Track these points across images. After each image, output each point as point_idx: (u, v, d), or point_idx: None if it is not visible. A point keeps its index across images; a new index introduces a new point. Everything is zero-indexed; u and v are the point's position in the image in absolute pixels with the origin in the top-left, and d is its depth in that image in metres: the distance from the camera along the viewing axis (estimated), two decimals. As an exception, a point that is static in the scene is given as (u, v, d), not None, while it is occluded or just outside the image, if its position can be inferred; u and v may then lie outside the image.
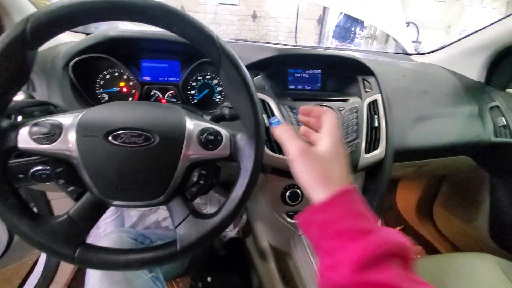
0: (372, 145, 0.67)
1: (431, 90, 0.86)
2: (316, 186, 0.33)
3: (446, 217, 1.31)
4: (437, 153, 0.84)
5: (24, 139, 0.37)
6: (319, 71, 0.76)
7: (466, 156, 0.90)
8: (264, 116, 0.42)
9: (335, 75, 0.76)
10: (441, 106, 0.85)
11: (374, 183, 0.72)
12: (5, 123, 0.36)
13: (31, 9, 0.68)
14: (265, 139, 0.47)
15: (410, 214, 1.46)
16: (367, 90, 0.71)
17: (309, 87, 0.76)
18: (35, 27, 0.33)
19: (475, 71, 0.96)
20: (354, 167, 0.65)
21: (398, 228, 1.49)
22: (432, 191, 1.36)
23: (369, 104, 0.70)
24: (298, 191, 0.67)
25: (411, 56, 1.16)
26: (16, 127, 0.37)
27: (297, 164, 0.35)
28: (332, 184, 0.32)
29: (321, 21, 6.15)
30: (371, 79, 0.73)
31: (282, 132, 0.37)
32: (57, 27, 0.35)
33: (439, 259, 0.79)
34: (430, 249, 1.37)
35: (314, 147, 0.36)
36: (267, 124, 0.39)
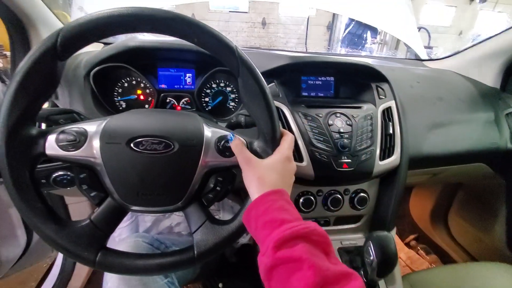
0: (386, 152, 0.67)
1: (446, 96, 0.85)
2: (253, 188, 0.41)
3: (462, 226, 1.27)
4: (453, 160, 0.83)
5: (52, 146, 0.38)
6: (332, 78, 0.76)
7: (482, 163, 0.88)
8: (228, 133, 0.46)
9: (349, 82, 0.76)
10: (457, 113, 0.84)
11: (388, 190, 0.71)
12: (35, 130, 0.38)
13: (55, 22, 0.72)
14: None
15: (424, 222, 1.43)
16: (381, 97, 0.71)
17: (322, 94, 0.76)
18: (66, 40, 0.35)
19: (490, 77, 0.95)
20: (369, 174, 0.64)
21: (412, 236, 1.45)
22: (447, 199, 1.33)
23: (383, 111, 0.69)
24: (312, 198, 0.67)
25: (424, 62, 1.15)
26: (44, 134, 0.39)
27: (243, 170, 0.43)
28: (265, 187, 0.39)
29: (330, 27, 6.16)
30: (385, 86, 0.73)
31: (235, 145, 0.43)
32: (86, 39, 0.37)
33: (454, 269, 0.77)
34: (445, 258, 1.33)
35: (258, 159, 0.43)
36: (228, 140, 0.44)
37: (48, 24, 0.69)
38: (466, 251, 1.26)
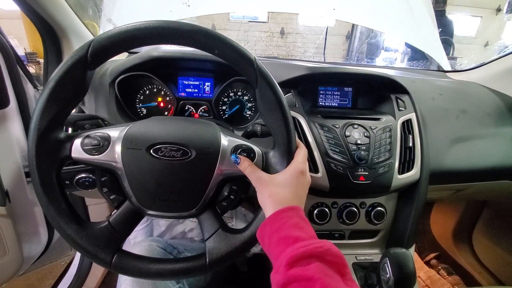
0: (406, 165, 0.65)
1: (470, 109, 0.82)
2: (267, 205, 0.41)
3: (487, 246, 1.20)
4: (478, 176, 0.79)
5: (77, 149, 0.40)
6: (350, 89, 0.76)
7: (509, 180, 0.83)
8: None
9: (367, 93, 0.75)
10: (482, 127, 0.80)
11: (407, 205, 0.68)
12: (63, 134, 0.40)
13: (86, 32, 0.76)
14: None
15: (446, 240, 1.36)
16: (400, 108, 0.70)
17: (339, 105, 0.76)
18: (96, 51, 0.37)
19: (518, 91, 0.90)
20: (387, 187, 0.63)
21: (433, 255, 1.38)
22: (472, 217, 1.26)
23: (403, 123, 0.68)
24: (327, 210, 0.66)
25: (448, 74, 1.11)
26: (71, 138, 0.41)
27: (256, 189, 0.43)
28: (278, 205, 0.39)
29: (349, 37, 6.12)
30: (405, 98, 0.72)
31: (244, 168, 0.43)
32: (114, 50, 0.39)
33: None
34: (469, 281, 1.26)
35: (270, 176, 0.43)
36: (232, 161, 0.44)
37: (78, 34, 0.74)
38: (491, 273, 1.18)
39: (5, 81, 0.59)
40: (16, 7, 0.67)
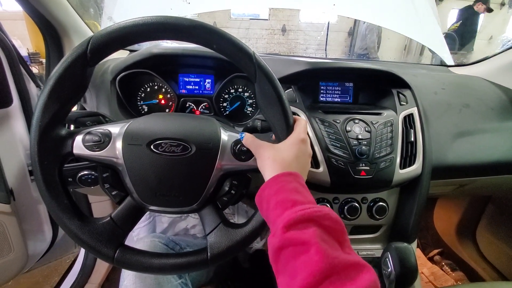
0: (408, 160, 0.65)
1: (473, 103, 0.81)
2: (266, 168, 0.40)
3: (491, 241, 1.19)
4: (481, 171, 0.78)
5: (79, 146, 0.41)
6: (351, 84, 0.75)
7: (513, 175, 0.83)
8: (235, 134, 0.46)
9: (368, 88, 0.75)
10: (485, 121, 0.79)
11: (410, 200, 0.68)
12: (64, 131, 0.41)
13: (87, 31, 0.77)
14: None
15: (450, 236, 1.35)
16: (402, 103, 0.69)
17: (340, 100, 0.75)
18: (95, 47, 0.38)
19: (521, 84, 0.89)
20: (388, 182, 0.62)
21: (436, 251, 1.38)
22: (476, 212, 1.25)
23: (404, 118, 0.67)
24: (328, 205, 0.66)
25: (451, 68, 1.10)
26: (72, 135, 0.41)
27: (256, 156, 0.43)
28: (278, 168, 0.39)
29: (351, 33, 6.08)
30: (407, 92, 0.71)
31: (246, 139, 0.44)
32: (113, 46, 0.39)
33: (482, 287, 0.72)
34: (473, 276, 1.25)
35: (272, 144, 0.43)
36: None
37: (80, 33, 0.74)
38: (495, 269, 1.17)
39: (8, 81, 0.59)
40: (19, 8, 0.68)
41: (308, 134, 0.61)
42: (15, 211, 0.60)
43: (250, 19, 6.31)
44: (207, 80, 0.74)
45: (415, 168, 0.64)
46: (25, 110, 0.63)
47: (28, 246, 0.64)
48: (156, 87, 0.72)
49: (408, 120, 0.68)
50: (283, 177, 0.38)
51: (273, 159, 0.40)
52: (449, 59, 1.17)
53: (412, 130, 0.66)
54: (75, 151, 0.41)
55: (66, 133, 0.41)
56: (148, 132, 0.42)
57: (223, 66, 0.71)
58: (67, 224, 0.40)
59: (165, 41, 0.82)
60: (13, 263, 0.63)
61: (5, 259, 0.61)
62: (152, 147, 0.41)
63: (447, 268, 1.30)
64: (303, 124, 0.45)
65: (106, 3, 1.03)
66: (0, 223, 0.58)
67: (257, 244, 1.01)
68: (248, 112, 0.76)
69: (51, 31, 0.71)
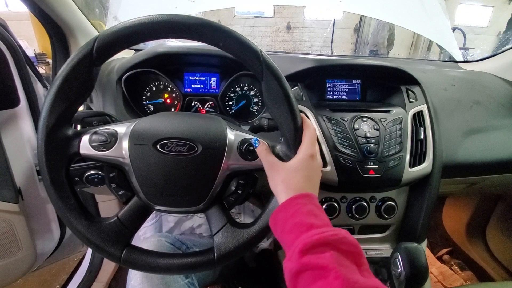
0: (417, 158, 0.63)
1: (484, 100, 0.79)
2: (280, 192, 0.40)
3: (502, 241, 1.17)
4: (491, 169, 0.76)
5: (85, 145, 0.41)
6: (359, 81, 0.74)
7: (525, 173, 0.81)
8: (252, 136, 0.46)
9: (376, 85, 0.74)
10: (496, 118, 0.77)
11: (419, 199, 0.67)
12: (71, 131, 0.41)
13: (93, 31, 0.77)
14: None
15: (459, 235, 1.33)
16: (411, 100, 0.68)
17: (348, 98, 0.74)
18: (101, 46, 0.37)
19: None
20: (397, 181, 0.61)
21: (445, 250, 1.36)
22: (486, 211, 1.23)
23: (413, 115, 0.66)
24: (335, 204, 0.65)
25: (460, 64, 1.08)
26: (79, 135, 0.41)
27: (268, 175, 0.43)
28: (291, 191, 0.39)
29: (357, 30, 6.02)
30: (416, 89, 0.70)
31: (261, 151, 0.43)
32: (119, 45, 0.39)
33: (492, 287, 0.71)
34: (483, 276, 1.23)
35: (283, 162, 0.42)
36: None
37: (86, 34, 0.74)
38: (506, 268, 1.15)
39: (15, 81, 0.59)
40: (25, 9, 0.68)
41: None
42: (23, 210, 0.61)
43: (255, 17, 6.30)
44: (212, 79, 0.73)
45: (425, 166, 0.63)
46: (32, 110, 0.64)
47: (37, 245, 0.65)
48: (161, 86, 0.72)
49: (418, 118, 0.66)
50: (298, 199, 0.38)
51: (286, 183, 0.40)
52: (458, 55, 1.14)
53: (421, 128, 0.65)
54: (82, 151, 0.41)
55: (73, 133, 0.41)
56: (154, 132, 0.42)
57: (228, 65, 0.71)
58: (74, 224, 0.40)
59: (170, 40, 0.82)
60: (22, 261, 0.63)
61: (14, 258, 0.61)
62: (158, 146, 0.41)
63: (456, 267, 1.28)
64: (311, 134, 0.43)
65: (111, 2, 1.04)
66: (8, 222, 0.58)
67: (264, 244, 1.01)
68: (254, 110, 0.75)
69: (57, 32, 0.71)
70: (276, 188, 0.41)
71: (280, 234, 0.37)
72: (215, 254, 0.43)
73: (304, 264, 0.30)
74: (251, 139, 0.45)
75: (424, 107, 0.67)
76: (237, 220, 0.85)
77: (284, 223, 0.36)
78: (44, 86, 0.69)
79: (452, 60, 1.13)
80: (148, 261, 0.42)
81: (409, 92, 0.69)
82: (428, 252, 1.36)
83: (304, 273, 0.30)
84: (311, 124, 0.45)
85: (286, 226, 0.36)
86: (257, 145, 0.44)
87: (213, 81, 0.73)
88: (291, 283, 0.31)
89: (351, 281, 0.28)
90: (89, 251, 1.15)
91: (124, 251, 0.42)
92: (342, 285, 0.27)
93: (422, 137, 0.64)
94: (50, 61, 0.79)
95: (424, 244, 0.69)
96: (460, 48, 1.22)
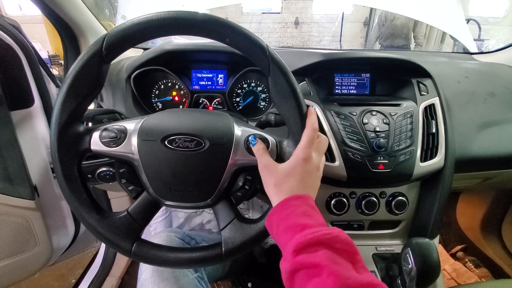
0: (429, 153, 0.62)
1: (499, 92, 0.76)
2: (273, 195, 0.40)
3: (518, 237, 1.13)
4: (507, 163, 0.73)
5: (96, 142, 0.42)
6: (368, 75, 0.73)
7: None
8: (257, 132, 0.45)
9: (386, 78, 0.72)
10: (512, 110, 0.75)
11: (431, 195, 0.65)
12: (82, 128, 0.42)
13: (103, 31, 0.78)
14: None
15: (474, 231, 1.30)
16: (422, 93, 0.66)
17: (357, 92, 0.73)
18: (110, 44, 0.38)
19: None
20: (408, 176, 0.60)
21: (459, 247, 1.33)
22: (501, 207, 1.19)
23: (425, 109, 0.64)
24: (344, 200, 0.64)
25: (474, 56, 1.04)
26: (90, 131, 0.42)
27: (262, 176, 0.42)
28: (282, 194, 0.39)
29: (367, 23, 5.90)
30: (428, 81, 0.68)
31: (257, 150, 0.43)
32: (128, 43, 0.39)
33: (508, 285, 0.69)
34: (498, 273, 1.20)
35: (277, 164, 0.42)
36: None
37: (95, 33, 0.76)
38: (523, 266, 1.12)
39: (29, 82, 0.61)
40: (38, 12, 0.70)
41: (323, 127, 0.60)
42: (39, 206, 0.63)
43: (262, 13, 6.26)
44: (219, 76, 0.74)
45: (437, 160, 0.62)
46: (46, 109, 0.66)
47: (53, 240, 0.67)
48: (169, 84, 0.72)
49: (429, 111, 0.65)
50: (292, 201, 0.38)
51: (278, 187, 0.40)
52: (472, 46, 1.11)
53: (433, 121, 0.63)
54: (93, 147, 0.42)
55: (84, 129, 0.42)
56: (162, 128, 0.42)
57: (235, 61, 0.71)
58: (85, 217, 0.42)
59: (177, 38, 0.82)
60: (39, 256, 0.66)
61: (31, 253, 0.64)
62: (166, 142, 0.42)
63: (470, 264, 1.25)
64: (310, 134, 0.41)
65: (120, 2, 1.05)
66: (25, 218, 0.61)
67: (272, 240, 1.01)
68: (261, 106, 0.75)
69: (67, 32, 0.73)
70: (269, 191, 0.41)
71: (275, 235, 0.38)
72: (223, 249, 0.43)
73: (298, 263, 0.31)
74: (257, 134, 0.44)
75: (436, 100, 0.66)
76: (246, 216, 0.86)
77: (278, 225, 0.37)
78: (57, 86, 0.71)
79: (466, 52, 1.10)
80: (157, 255, 0.43)
81: (420, 84, 0.67)
82: (441, 249, 1.33)
83: (299, 272, 0.31)
84: (314, 123, 0.42)
85: (280, 227, 0.36)
86: (254, 143, 0.43)
87: (221, 78, 0.74)
88: (288, 282, 0.32)
89: (344, 277, 0.28)
90: (103, 246, 1.18)
91: (134, 245, 0.43)
92: (336, 282, 0.27)
93: (434, 130, 0.62)
94: (63, 62, 0.81)
95: (436, 240, 0.68)
96: (475, 39, 1.19)
